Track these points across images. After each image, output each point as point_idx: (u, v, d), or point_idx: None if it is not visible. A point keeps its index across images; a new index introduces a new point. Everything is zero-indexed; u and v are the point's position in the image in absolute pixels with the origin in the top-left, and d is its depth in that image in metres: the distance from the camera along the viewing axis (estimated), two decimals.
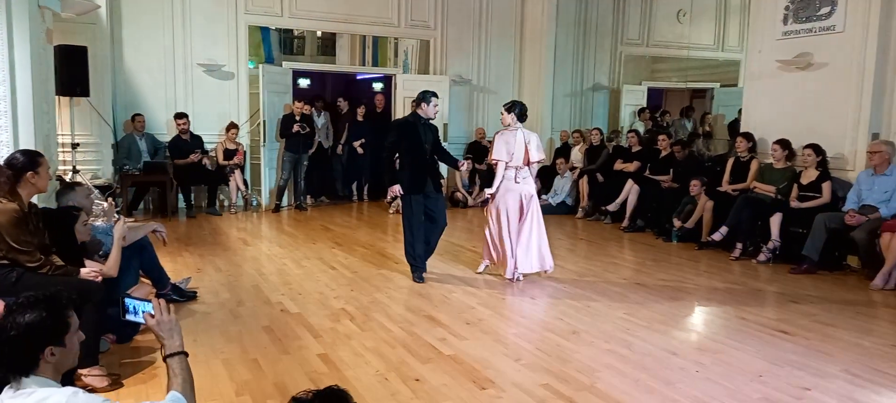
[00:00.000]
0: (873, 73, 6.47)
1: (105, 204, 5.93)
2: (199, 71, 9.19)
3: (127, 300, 2.28)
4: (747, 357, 3.94)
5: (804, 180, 6.66)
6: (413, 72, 10.93)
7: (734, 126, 9.62)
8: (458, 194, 10.01)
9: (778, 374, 3.67)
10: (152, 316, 2.16)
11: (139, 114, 8.74)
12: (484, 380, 3.56)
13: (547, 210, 9.35)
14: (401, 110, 10.17)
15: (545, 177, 9.94)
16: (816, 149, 6.60)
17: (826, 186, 6.47)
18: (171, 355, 2.10)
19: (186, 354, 2.14)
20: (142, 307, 2.23)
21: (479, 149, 10.30)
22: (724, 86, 12.11)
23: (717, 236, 6.94)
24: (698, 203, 7.40)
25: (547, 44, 10.51)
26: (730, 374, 3.67)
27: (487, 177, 10.15)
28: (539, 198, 9.56)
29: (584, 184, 9.24)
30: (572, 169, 9.69)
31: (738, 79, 11.25)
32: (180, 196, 8.99)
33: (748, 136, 7.44)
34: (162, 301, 2.21)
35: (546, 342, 4.19)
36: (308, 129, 9.32)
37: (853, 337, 4.35)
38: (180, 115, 8.82)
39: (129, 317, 2.27)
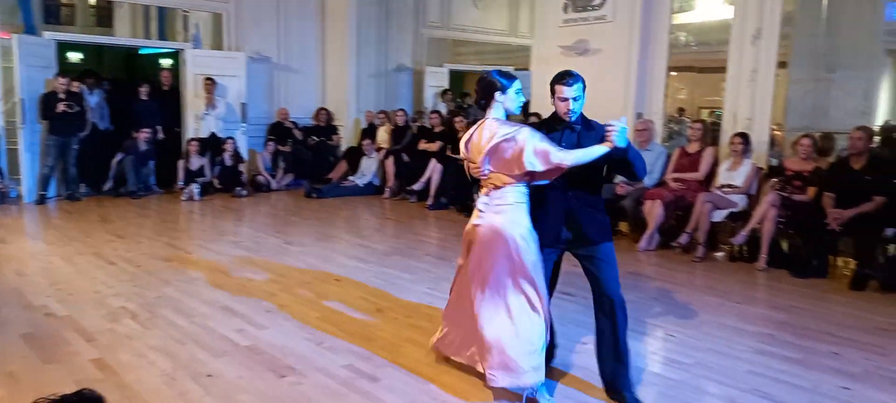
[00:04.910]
0: (637, 60, 7.29)
1: None
2: None
3: None
4: None
5: None
6: (206, 48, 10.16)
7: (528, 107, 10.30)
8: (260, 178, 9.54)
9: (561, 332, 3.97)
10: None
11: None
12: (284, 368, 3.41)
13: (354, 191, 9.34)
14: (191, 88, 9.40)
15: (352, 159, 9.86)
16: (539, 116, 7.25)
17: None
18: None
19: None
20: None
21: (281, 131, 9.90)
22: (518, 70, 12.92)
23: None
24: None
25: (349, 23, 10.37)
26: None
27: (293, 160, 9.82)
28: (344, 179, 9.62)
29: (389, 164, 9.31)
30: (378, 149, 9.71)
31: (529, 63, 12.06)
32: None
33: (537, 116, 7.99)
34: None
35: (350, 322, 4.13)
36: (77, 109, 8.22)
37: (625, 294, 4.85)
38: None
39: None
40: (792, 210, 5.73)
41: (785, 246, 5.88)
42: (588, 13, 7.65)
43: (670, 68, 7.63)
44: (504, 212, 2.96)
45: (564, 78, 3.02)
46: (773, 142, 7.14)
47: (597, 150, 2.87)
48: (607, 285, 3.05)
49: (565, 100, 3.01)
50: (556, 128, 3.06)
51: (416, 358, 3.55)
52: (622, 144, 2.86)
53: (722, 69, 6.95)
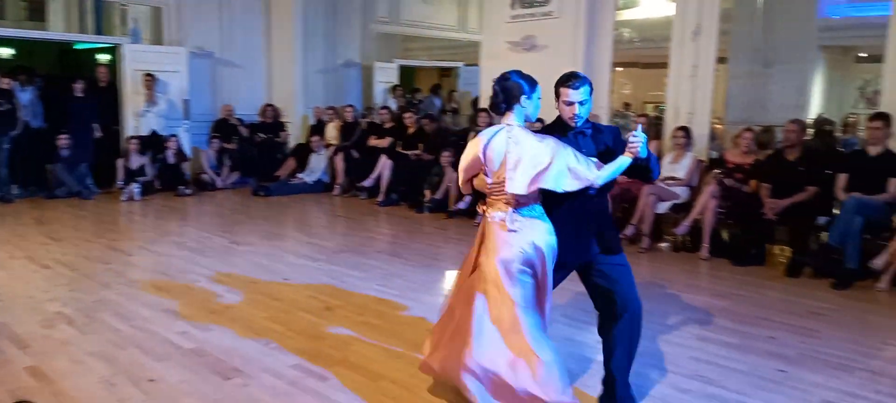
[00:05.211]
0: (583, 55, 7.40)
1: None
2: None
3: None
4: None
5: None
6: (145, 42, 9.82)
7: (477, 103, 10.34)
8: (205, 176, 9.29)
9: None
10: None
11: None
12: (229, 370, 3.33)
13: (303, 189, 9.21)
14: (130, 84, 9.07)
15: (300, 156, 9.70)
16: (541, 122, 7.36)
17: None
18: None
19: None
20: None
21: (226, 128, 9.67)
22: (468, 66, 12.95)
23: (462, 205, 7.42)
24: (446, 174, 7.82)
25: (295, 17, 10.19)
26: None
27: (239, 158, 9.60)
28: (292, 177, 9.46)
29: (339, 160, 9.21)
30: (327, 146, 9.59)
31: (479, 59, 12.11)
32: None
33: (487, 112, 8.04)
34: None
35: (299, 321, 4.07)
36: (8, 107, 7.84)
37: (571, 286, 4.93)
38: None
39: None
40: (731, 201, 5.93)
41: (725, 235, 6.08)
42: (535, 9, 7.72)
43: (615, 64, 7.79)
44: (537, 227, 2.72)
45: (570, 80, 2.78)
46: (713, 135, 7.37)
47: (622, 163, 2.70)
48: (631, 292, 2.86)
49: (571, 103, 2.77)
50: (565, 134, 2.79)
51: (366, 356, 3.53)
52: (644, 155, 2.71)
53: (665, 65, 7.13)
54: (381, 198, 8.47)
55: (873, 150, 5.43)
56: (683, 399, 3.13)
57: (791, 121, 5.91)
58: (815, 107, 10.65)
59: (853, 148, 6.95)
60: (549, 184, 2.64)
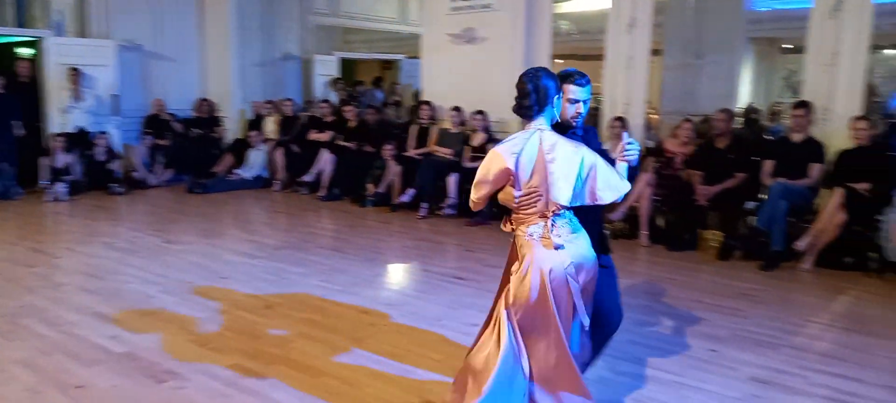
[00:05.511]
0: (522, 47, 7.47)
1: None
2: None
3: None
4: (429, 306, 4.26)
5: (475, 142, 7.43)
6: (69, 35, 9.35)
7: (418, 96, 10.32)
8: (137, 174, 8.94)
9: (453, 315, 4.04)
10: None
11: None
12: (163, 373, 3.22)
13: (241, 185, 8.98)
14: (54, 80, 8.64)
15: (238, 151, 9.46)
16: (482, 114, 7.41)
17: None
18: None
19: None
20: None
21: (158, 123, 9.33)
22: (410, 58, 12.90)
23: (405, 198, 7.40)
24: (388, 168, 7.77)
25: (230, 9, 9.90)
26: (415, 322, 3.92)
27: (173, 154, 9.27)
28: (230, 173, 9.22)
29: (279, 155, 9.02)
30: (266, 140, 9.38)
31: (420, 51, 12.08)
32: None
33: (428, 104, 8.04)
34: None
35: (237, 321, 3.97)
36: None
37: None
38: None
39: None
40: (666, 188, 6.11)
41: (661, 222, 6.27)
42: (474, 1, 7.74)
43: (554, 56, 7.89)
44: (578, 240, 2.46)
45: (574, 77, 2.58)
46: (648, 124, 7.57)
47: (623, 170, 2.50)
48: (614, 304, 2.76)
49: (575, 102, 2.57)
50: (564, 135, 2.52)
51: (308, 353, 3.47)
52: (636, 163, 2.57)
53: (601, 57, 7.27)
54: (322, 192, 8.35)
55: (797, 137, 5.70)
56: (621, 381, 3.21)
57: (720, 111, 6.14)
58: (744, 97, 11.10)
59: (779, 135, 7.27)
60: (602, 195, 2.41)
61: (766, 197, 5.51)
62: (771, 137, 7.86)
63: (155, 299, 4.35)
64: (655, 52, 7.81)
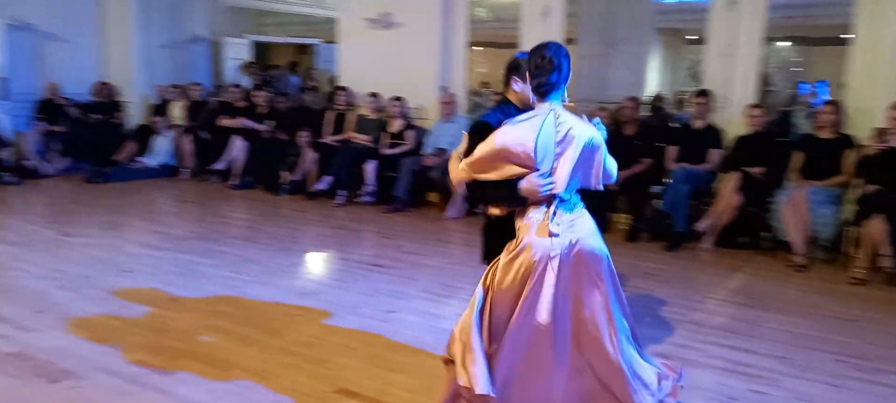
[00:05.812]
0: (440, 34, 7.47)
1: None
2: None
3: None
4: (345, 294, 4.20)
5: (393, 129, 7.38)
6: None
7: (334, 81, 10.12)
8: (29, 162, 8.31)
9: (370, 303, 4.00)
10: None
11: None
12: (58, 373, 3.02)
13: (146, 173, 8.52)
14: None
15: (142, 138, 8.97)
16: (400, 100, 7.36)
17: (410, 134, 7.28)
18: None
19: None
20: None
21: (52, 108, 8.70)
22: (326, 43, 12.63)
23: (322, 185, 7.25)
24: (304, 155, 7.59)
25: None
26: (332, 310, 3.85)
27: (70, 141, 8.68)
28: (133, 161, 8.71)
29: (186, 142, 8.62)
30: (172, 126, 8.94)
31: (336, 36, 11.85)
32: None
33: (345, 90, 7.90)
34: None
35: (141, 315, 3.77)
36: None
37: (432, 262, 5.02)
38: None
39: None
40: None
41: None
42: None
43: (472, 43, 7.93)
44: (581, 221, 2.39)
45: None
46: None
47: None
48: None
49: None
50: None
51: (215, 346, 3.35)
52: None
53: (516, 45, 7.36)
54: (235, 181, 8.06)
55: (698, 124, 6.00)
56: None
57: (628, 99, 6.37)
58: (652, 85, 11.58)
59: (684, 122, 7.63)
60: (604, 179, 2.40)
61: (671, 181, 5.77)
62: (677, 125, 8.24)
63: (50, 295, 4.07)
64: (569, 41, 7.99)
